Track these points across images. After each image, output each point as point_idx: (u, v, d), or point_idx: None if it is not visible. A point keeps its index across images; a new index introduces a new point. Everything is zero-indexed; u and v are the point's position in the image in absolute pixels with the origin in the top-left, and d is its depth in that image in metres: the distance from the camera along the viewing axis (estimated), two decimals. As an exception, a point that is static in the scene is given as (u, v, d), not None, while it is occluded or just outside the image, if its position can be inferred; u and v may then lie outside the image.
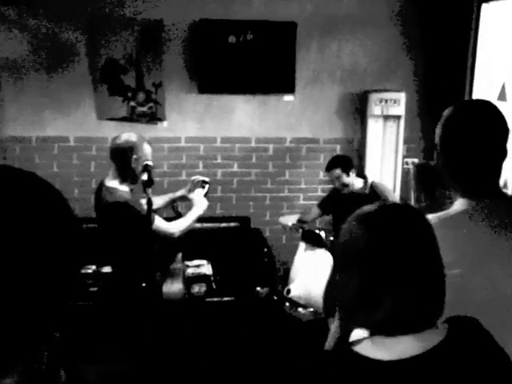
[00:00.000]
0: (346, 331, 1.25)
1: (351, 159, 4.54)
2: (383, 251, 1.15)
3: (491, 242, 1.66)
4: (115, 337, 3.50)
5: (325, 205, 4.75)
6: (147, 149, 3.23)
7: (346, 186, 4.39)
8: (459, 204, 1.73)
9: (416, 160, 5.42)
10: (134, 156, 3.15)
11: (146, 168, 3.09)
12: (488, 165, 1.72)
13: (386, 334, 1.17)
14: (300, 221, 4.71)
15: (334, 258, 1.26)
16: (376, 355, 1.15)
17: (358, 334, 1.41)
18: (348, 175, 4.37)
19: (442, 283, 1.20)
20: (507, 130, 1.72)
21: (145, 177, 3.06)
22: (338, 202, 4.54)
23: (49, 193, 0.80)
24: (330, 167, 4.43)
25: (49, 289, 0.75)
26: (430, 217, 1.72)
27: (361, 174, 4.58)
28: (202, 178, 3.66)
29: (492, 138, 1.71)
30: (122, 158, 3.16)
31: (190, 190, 3.66)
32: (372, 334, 1.19)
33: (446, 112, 1.78)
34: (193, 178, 3.72)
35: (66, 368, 0.92)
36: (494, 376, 1.19)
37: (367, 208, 1.25)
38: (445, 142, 1.75)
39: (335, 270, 1.30)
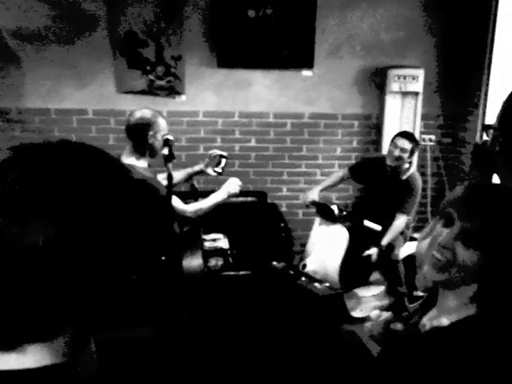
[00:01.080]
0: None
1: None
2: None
3: None
4: (138, 308, 3.56)
5: (357, 170, 4.72)
6: (163, 123, 3.24)
7: (401, 160, 4.31)
8: None
9: (433, 137, 5.41)
10: (151, 132, 3.16)
11: (167, 142, 3.11)
12: None
13: None
14: (322, 188, 4.66)
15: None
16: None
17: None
18: (410, 156, 4.33)
19: None
20: None
21: (165, 151, 3.09)
22: (371, 174, 4.51)
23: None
24: (405, 136, 4.35)
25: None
26: None
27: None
28: (219, 153, 3.67)
29: None
30: (139, 135, 3.18)
31: (208, 165, 3.68)
32: None
33: (510, 93, 1.70)
34: (210, 152, 3.73)
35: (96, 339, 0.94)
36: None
37: (459, 189, 1.30)
38: (504, 124, 1.66)
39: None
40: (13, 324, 0.72)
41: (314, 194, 4.54)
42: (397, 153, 4.28)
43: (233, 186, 3.50)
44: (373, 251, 4.23)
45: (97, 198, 0.75)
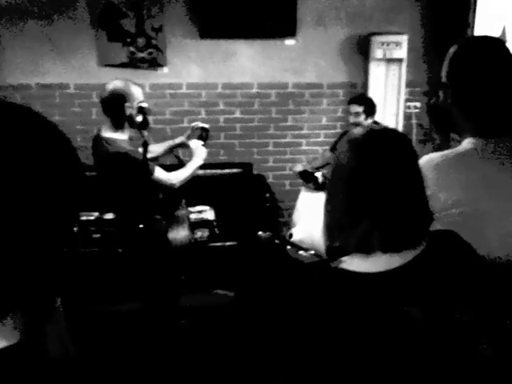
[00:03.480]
0: (330, 251, 1.29)
1: (376, 106, 4.55)
2: (367, 172, 1.20)
3: (500, 179, 1.64)
4: (123, 280, 3.58)
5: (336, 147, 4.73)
6: (137, 92, 3.19)
7: (358, 126, 4.33)
8: (468, 143, 1.71)
9: (418, 104, 5.39)
10: (127, 103, 3.12)
11: (141, 110, 3.08)
12: (498, 102, 1.69)
13: (364, 252, 1.21)
14: (311, 167, 4.70)
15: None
16: (357, 268, 1.21)
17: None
18: (366, 118, 4.41)
19: (423, 209, 1.24)
20: None
21: (139, 118, 3.06)
22: None
23: (48, 129, 0.77)
24: (354, 101, 4.49)
25: (48, 229, 0.73)
26: (438, 154, 1.72)
27: (376, 122, 4.55)
28: (201, 125, 3.64)
29: (503, 73, 1.67)
30: (115, 108, 3.13)
31: (190, 137, 3.65)
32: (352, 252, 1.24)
33: (453, 49, 1.73)
34: (192, 124, 3.70)
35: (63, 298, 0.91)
36: (470, 282, 1.25)
37: (357, 131, 1.29)
38: (453, 78, 1.71)
39: (327, 191, 1.33)
40: None
41: (300, 167, 4.59)
42: (352, 119, 4.44)
43: (203, 152, 3.48)
44: None
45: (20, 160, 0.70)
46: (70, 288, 0.90)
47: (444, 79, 1.74)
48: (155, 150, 3.55)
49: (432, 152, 1.78)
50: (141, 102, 3.14)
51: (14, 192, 0.68)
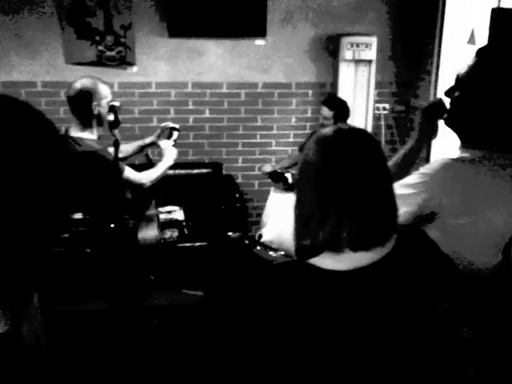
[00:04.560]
0: (299, 249, 1.30)
1: (348, 111, 4.51)
2: (334, 169, 1.22)
3: (497, 190, 1.69)
4: (91, 279, 3.54)
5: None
6: (105, 90, 3.15)
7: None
8: (463, 154, 1.76)
9: (387, 105, 5.44)
10: (94, 102, 3.09)
11: (113, 108, 3.04)
12: (497, 116, 1.72)
13: (332, 250, 1.23)
14: (281, 167, 4.71)
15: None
16: (327, 266, 1.23)
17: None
18: (337, 120, 4.36)
19: (389, 206, 1.26)
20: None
21: (111, 117, 3.02)
22: None
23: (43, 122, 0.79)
24: (326, 103, 4.45)
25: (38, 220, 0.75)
26: (442, 162, 1.75)
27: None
28: (171, 125, 3.62)
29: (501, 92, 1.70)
30: (83, 106, 3.09)
31: (160, 137, 3.63)
32: (321, 250, 1.25)
33: (479, 56, 1.75)
34: (162, 124, 3.68)
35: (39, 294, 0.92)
36: (437, 280, 1.29)
37: (326, 130, 1.31)
38: (476, 85, 1.73)
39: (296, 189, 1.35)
40: None
41: (269, 167, 4.61)
42: (320, 120, 4.47)
43: (174, 152, 3.47)
44: None
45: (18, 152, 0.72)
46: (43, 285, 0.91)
47: (465, 83, 1.76)
48: (125, 149, 3.51)
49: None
50: (112, 100, 3.10)
51: (11, 181, 0.70)
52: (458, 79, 1.78)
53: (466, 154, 1.76)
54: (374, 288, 1.21)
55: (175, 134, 3.56)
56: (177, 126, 3.60)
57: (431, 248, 1.33)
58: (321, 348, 1.19)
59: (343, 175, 1.21)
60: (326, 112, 4.39)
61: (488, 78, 1.71)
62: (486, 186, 1.68)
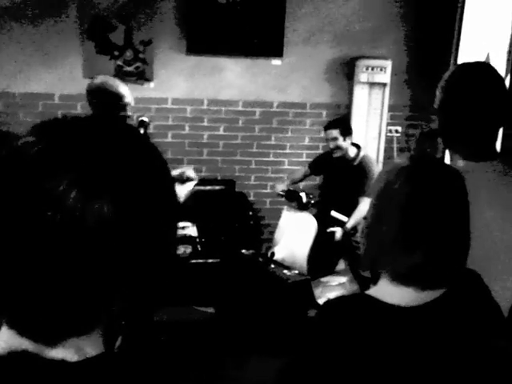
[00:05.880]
0: (372, 276, 1.28)
1: (351, 126, 4.56)
2: (425, 201, 1.18)
3: (495, 200, 1.69)
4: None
5: (315, 165, 4.79)
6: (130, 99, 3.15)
7: (339, 149, 4.39)
8: (459, 165, 1.74)
9: (399, 128, 5.47)
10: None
11: (143, 124, 3.06)
12: (490, 126, 1.74)
13: (406, 283, 1.20)
14: (291, 183, 4.74)
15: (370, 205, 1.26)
16: (393, 300, 1.19)
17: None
18: (344, 140, 4.39)
19: (468, 243, 1.23)
20: (506, 92, 1.75)
21: (141, 132, 3.04)
22: (327, 166, 4.60)
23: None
24: (329, 126, 4.45)
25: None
26: None
27: (356, 144, 4.60)
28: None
29: (495, 99, 1.72)
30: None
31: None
32: (388, 280, 1.22)
33: (447, 75, 1.79)
34: (179, 171, 3.45)
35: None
36: (486, 331, 1.24)
37: (401, 161, 1.28)
38: (446, 104, 1.76)
39: (369, 216, 1.30)
40: (59, 315, 0.68)
41: (283, 186, 4.62)
42: (331, 145, 4.42)
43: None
44: (337, 229, 4.29)
45: (139, 175, 0.72)
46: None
47: (437, 103, 1.79)
48: None
49: None
50: (141, 115, 3.12)
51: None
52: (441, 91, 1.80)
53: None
54: (435, 329, 1.18)
55: (190, 185, 3.27)
56: (193, 175, 3.32)
57: (485, 293, 1.30)
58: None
59: (434, 207, 1.18)
60: (333, 132, 4.38)
61: (460, 87, 1.75)
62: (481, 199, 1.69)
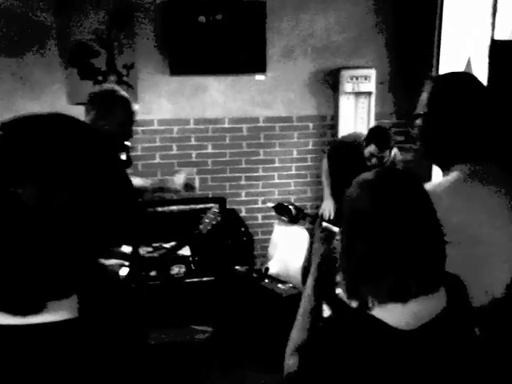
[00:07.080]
0: (361, 303, 1.24)
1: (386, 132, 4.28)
2: (387, 221, 1.17)
3: (492, 202, 1.70)
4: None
5: (335, 159, 4.69)
6: None
7: (381, 162, 4.15)
8: (455, 171, 1.76)
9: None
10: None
11: (125, 148, 3.07)
12: (481, 130, 1.76)
13: (394, 301, 1.19)
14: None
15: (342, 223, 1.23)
16: (394, 321, 1.18)
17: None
18: (391, 150, 4.23)
19: (442, 248, 1.22)
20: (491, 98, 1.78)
21: (123, 157, 3.05)
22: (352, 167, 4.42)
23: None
24: (378, 142, 4.13)
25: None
26: (429, 186, 1.76)
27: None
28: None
29: (481, 102, 1.76)
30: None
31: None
32: (381, 301, 1.21)
33: (434, 80, 1.81)
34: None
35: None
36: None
37: (368, 175, 1.27)
38: (438, 110, 1.79)
39: (342, 236, 1.29)
40: (37, 285, 0.80)
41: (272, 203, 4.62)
42: (374, 161, 4.17)
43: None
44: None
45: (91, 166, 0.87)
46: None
47: (424, 109, 1.79)
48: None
49: None
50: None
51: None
52: (421, 105, 1.82)
53: (453, 173, 1.76)
54: (439, 348, 1.18)
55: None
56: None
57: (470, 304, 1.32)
58: None
59: (397, 220, 1.17)
60: (372, 148, 4.14)
61: (446, 96, 1.79)
62: (478, 201, 1.70)
